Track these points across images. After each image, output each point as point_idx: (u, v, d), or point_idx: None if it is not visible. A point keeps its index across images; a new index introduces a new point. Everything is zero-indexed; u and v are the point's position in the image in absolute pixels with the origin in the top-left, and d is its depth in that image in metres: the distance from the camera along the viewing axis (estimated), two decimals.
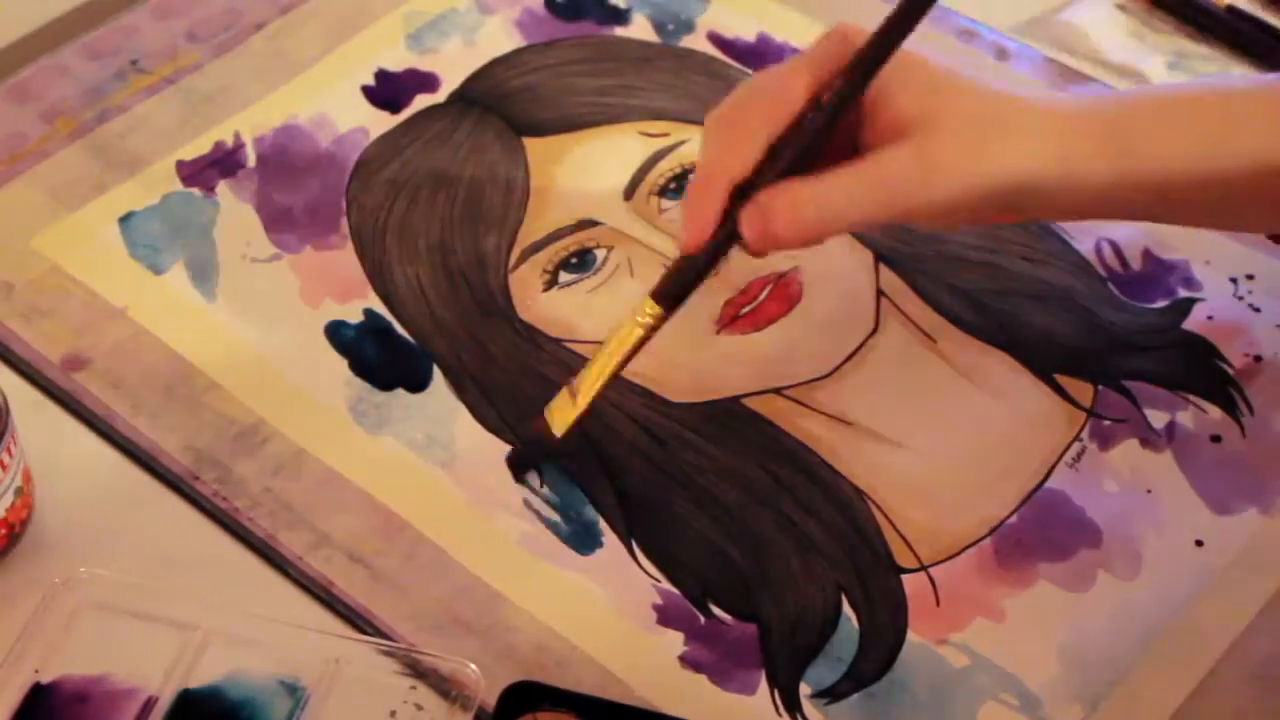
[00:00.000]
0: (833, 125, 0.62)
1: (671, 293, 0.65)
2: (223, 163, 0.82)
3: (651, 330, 0.65)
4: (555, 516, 0.68)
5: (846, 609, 0.66)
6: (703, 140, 0.64)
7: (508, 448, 0.71)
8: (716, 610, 0.66)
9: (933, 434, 0.71)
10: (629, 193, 0.80)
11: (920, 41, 0.88)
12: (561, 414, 0.67)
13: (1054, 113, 0.64)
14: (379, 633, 0.65)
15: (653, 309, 0.65)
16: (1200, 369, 0.74)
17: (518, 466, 0.70)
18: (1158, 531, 0.69)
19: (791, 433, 0.71)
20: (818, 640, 0.65)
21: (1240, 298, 0.77)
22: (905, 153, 0.62)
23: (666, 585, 0.67)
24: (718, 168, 0.62)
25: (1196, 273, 0.77)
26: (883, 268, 0.77)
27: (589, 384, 0.66)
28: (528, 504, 0.69)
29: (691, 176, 0.64)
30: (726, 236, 0.63)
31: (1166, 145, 0.63)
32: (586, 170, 0.81)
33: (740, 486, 0.69)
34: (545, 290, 0.76)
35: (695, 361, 0.73)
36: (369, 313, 0.76)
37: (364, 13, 0.89)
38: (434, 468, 0.70)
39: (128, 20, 0.88)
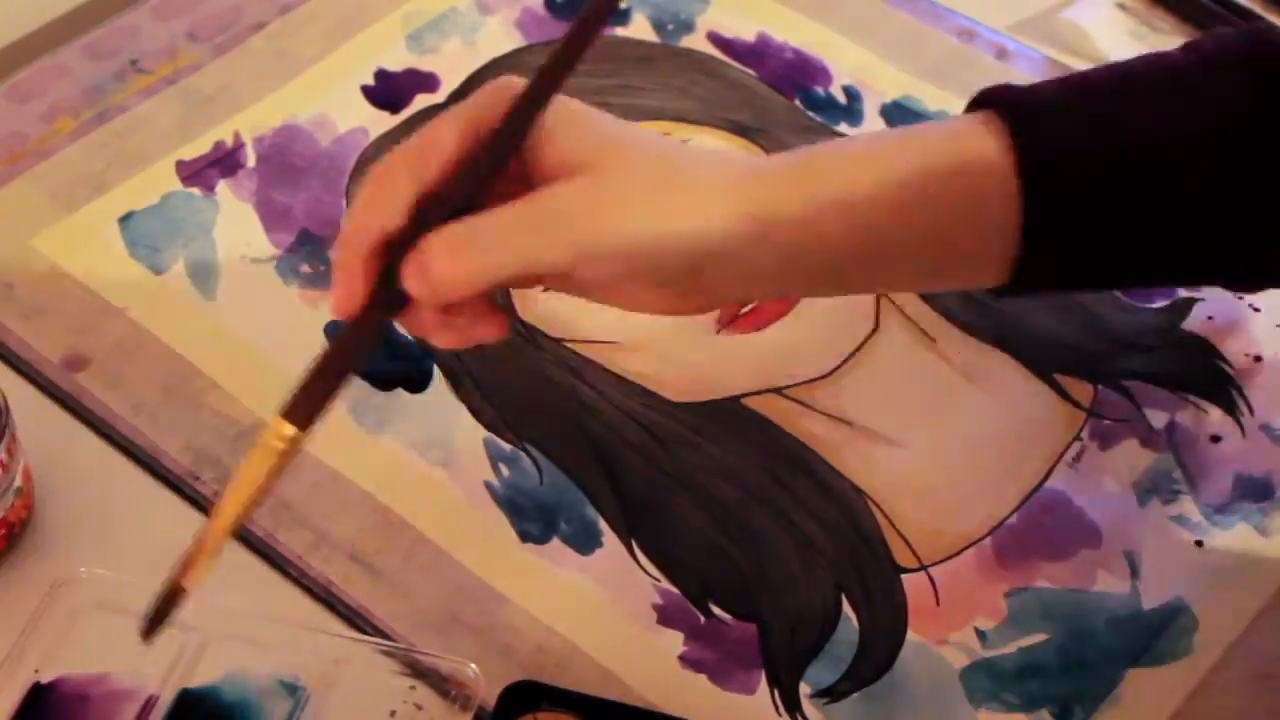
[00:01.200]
0: (493, 168, 0.56)
1: (307, 404, 0.55)
2: (223, 163, 0.82)
3: (289, 455, 0.55)
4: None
5: (846, 609, 0.66)
6: (347, 205, 0.59)
7: (508, 447, 0.71)
8: (716, 610, 0.66)
9: (933, 434, 0.71)
10: None
11: (920, 42, 0.88)
12: (195, 566, 0.56)
13: (733, 164, 0.59)
14: (379, 633, 0.65)
15: (285, 431, 0.55)
16: (1200, 369, 0.74)
17: (150, 624, 0.57)
18: (1157, 531, 0.69)
19: (791, 433, 0.71)
20: (818, 640, 0.65)
21: (1240, 297, 0.77)
22: (574, 185, 0.56)
23: (666, 585, 0.67)
24: (362, 223, 0.56)
25: None
26: None
27: (216, 534, 0.56)
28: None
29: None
30: (386, 300, 0.56)
31: (848, 168, 0.59)
32: None
33: (740, 486, 0.69)
34: (545, 290, 0.76)
35: (695, 361, 0.73)
36: None
37: (364, 13, 0.89)
38: (434, 468, 0.70)
39: (128, 20, 0.88)
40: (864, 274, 0.60)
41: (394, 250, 0.56)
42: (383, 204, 0.56)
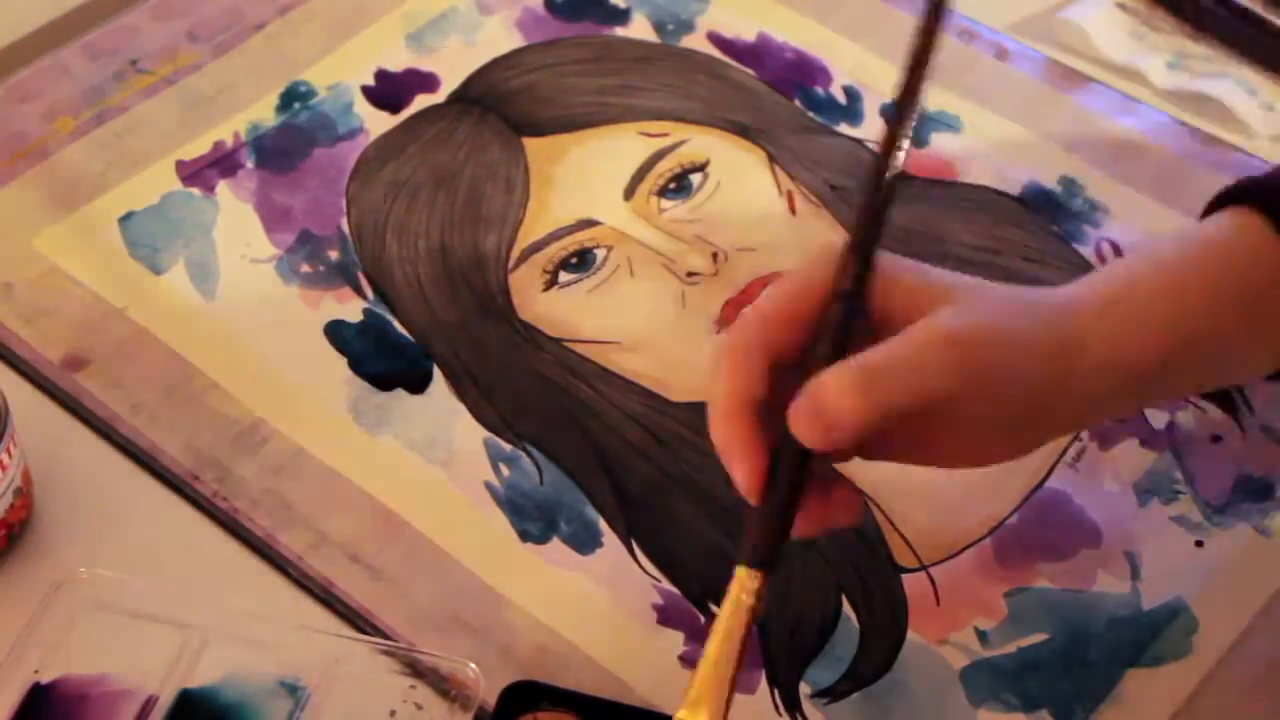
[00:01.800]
0: (856, 303, 0.57)
1: (763, 551, 0.56)
2: (222, 163, 0.82)
3: (761, 602, 0.55)
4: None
5: (846, 609, 0.66)
6: (706, 377, 0.58)
7: (508, 447, 0.71)
8: (716, 610, 0.66)
9: None
10: (629, 192, 0.80)
11: None
12: None
13: (1058, 292, 0.61)
14: (379, 632, 0.65)
15: (752, 579, 0.55)
16: None
17: None
18: (1158, 531, 0.69)
19: None
20: (818, 640, 0.65)
21: None
22: (949, 312, 0.57)
23: (666, 585, 0.67)
24: (731, 398, 0.57)
25: None
26: None
27: (713, 688, 0.55)
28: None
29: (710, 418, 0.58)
30: (790, 460, 0.56)
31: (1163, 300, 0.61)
32: (586, 170, 0.81)
33: None
34: (545, 290, 0.76)
35: (695, 361, 0.73)
36: (369, 313, 0.76)
37: (364, 13, 0.89)
38: (434, 468, 0.70)
39: (128, 20, 0.88)
40: (1174, 389, 0.65)
41: (770, 415, 0.56)
42: (745, 374, 0.56)
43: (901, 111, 0.57)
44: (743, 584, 0.55)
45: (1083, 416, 0.62)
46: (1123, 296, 0.60)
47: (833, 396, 0.55)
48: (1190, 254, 0.62)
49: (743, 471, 0.56)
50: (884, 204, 0.57)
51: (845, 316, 0.56)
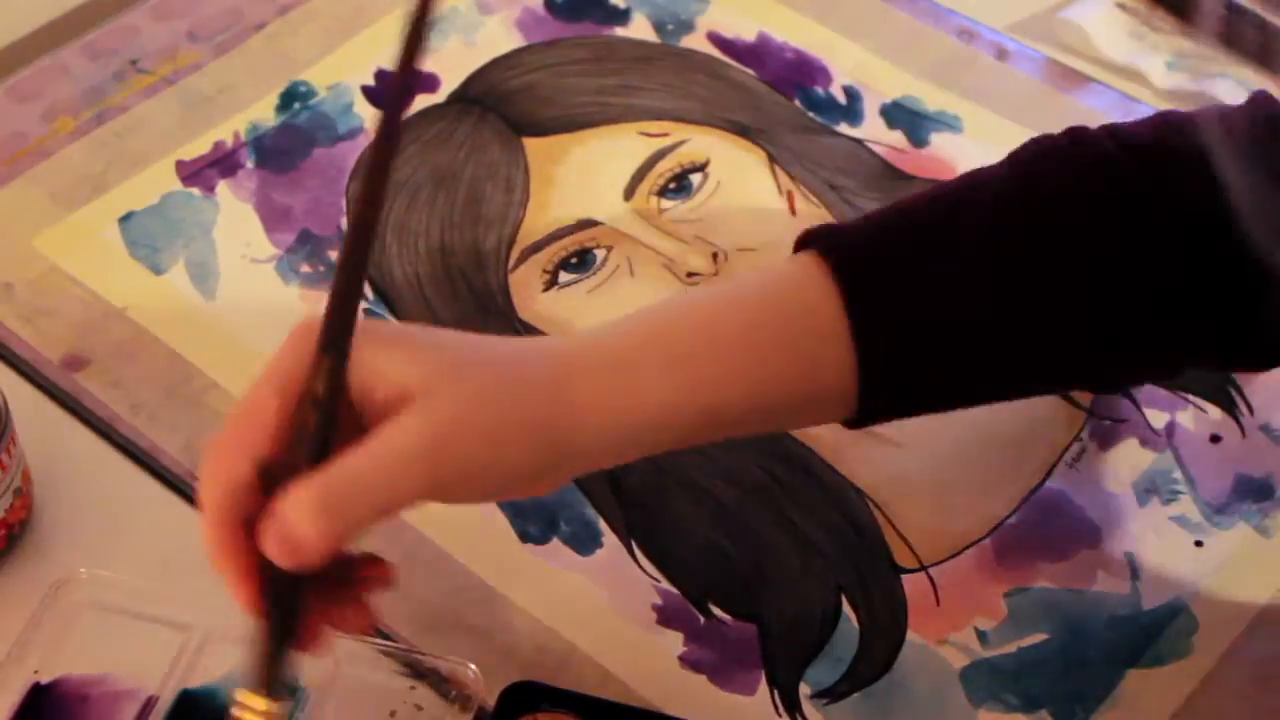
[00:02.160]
0: (331, 409, 0.53)
1: (265, 680, 0.54)
2: (222, 163, 0.82)
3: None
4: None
5: (846, 609, 0.66)
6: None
7: None
8: (716, 610, 0.66)
9: (932, 434, 0.71)
10: (629, 192, 0.80)
11: (920, 42, 0.88)
12: None
13: (563, 362, 0.58)
14: (379, 633, 0.65)
15: (258, 702, 0.54)
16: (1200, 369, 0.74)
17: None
18: (1157, 531, 0.69)
19: (791, 432, 0.71)
20: (817, 640, 0.65)
21: None
22: (414, 419, 0.53)
23: (666, 585, 0.67)
24: (215, 513, 0.53)
25: None
26: None
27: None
28: None
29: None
30: (280, 578, 0.53)
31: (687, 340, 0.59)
32: (586, 170, 0.81)
33: (740, 486, 0.69)
34: (545, 290, 0.76)
35: None
36: (369, 313, 0.76)
37: (364, 13, 0.89)
38: None
39: (128, 20, 0.88)
40: (710, 435, 0.60)
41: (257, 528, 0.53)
42: (227, 481, 0.53)
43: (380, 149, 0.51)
44: (243, 708, 0.54)
45: (588, 467, 0.59)
46: (621, 348, 0.58)
47: (294, 520, 0.52)
48: (731, 296, 0.60)
49: (237, 592, 0.53)
50: (355, 290, 0.53)
51: (320, 425, 0.53)
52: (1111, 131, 0.62)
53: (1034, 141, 0.63)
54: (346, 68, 0.86)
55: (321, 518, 0.52)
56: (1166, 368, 0.65)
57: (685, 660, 0.65)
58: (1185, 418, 0.72)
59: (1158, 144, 0.61)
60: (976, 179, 0.63)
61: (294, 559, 0.52)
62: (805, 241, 0.61)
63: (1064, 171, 0.61)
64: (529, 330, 0.75)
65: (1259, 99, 0.62)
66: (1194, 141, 0.56)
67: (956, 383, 0.61)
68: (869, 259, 0.59)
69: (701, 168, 0.81)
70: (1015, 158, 0.63)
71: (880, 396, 0.59)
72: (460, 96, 0.85)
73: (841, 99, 0.85)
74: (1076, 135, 0.62)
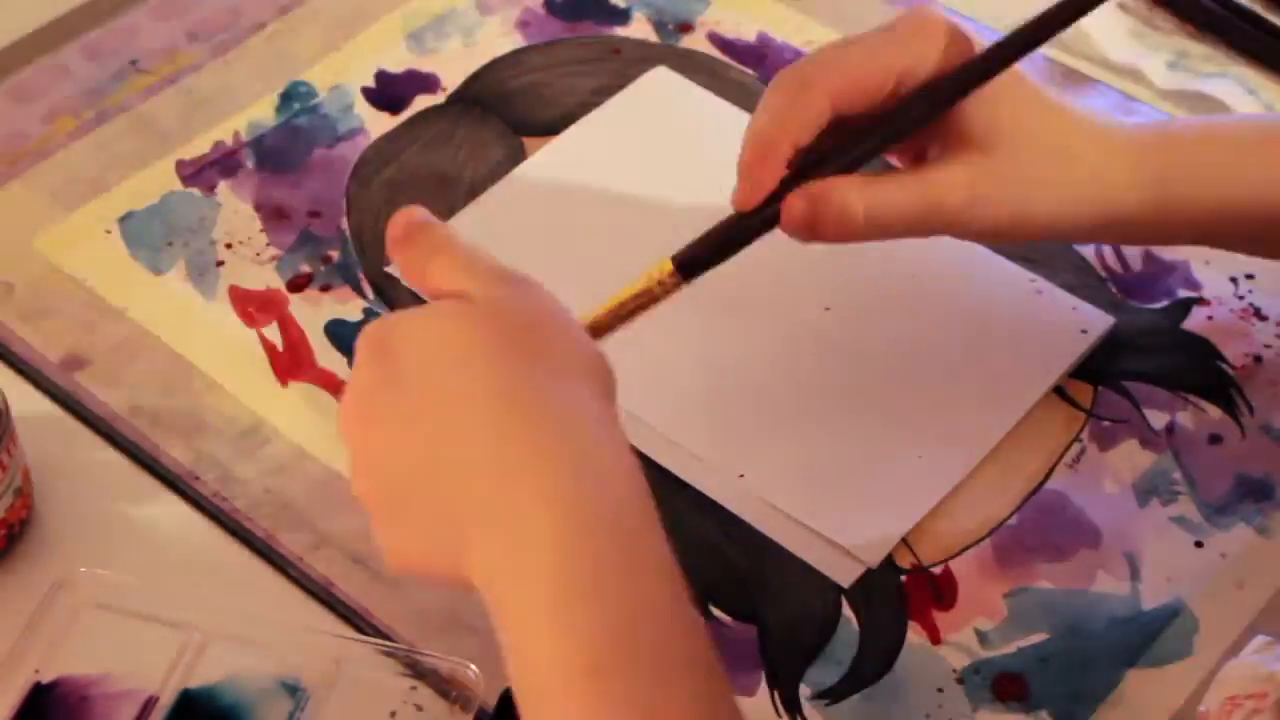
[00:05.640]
0: (924, 121, 0.61)
1: (688, 254, 0.60)
2: (223, 163, 0.82)
3: (657, 292, 0.61)
4: None
5: (846, 609, 0.66)
6: (766, 95, 0.60)
7: None
8: (716, 611, 0.66)
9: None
10: None
11: None
12: None
13: (1108, 143, 0.65)
14: (379, 633, 0.65)
15: (669, 274, 0.60)
16: (1200, 369, 0.74)
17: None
18: (1157, 532, 0.69)
19: None
20: (817, 641, 0.65)
21: (1241, 297, 0.77)
22: (958, 178, 0.61)
23: None
24: (782, 130, 0.59)
25: (1196, 273, 0.77)
26: None
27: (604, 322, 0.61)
28: None
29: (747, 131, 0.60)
30: (773, 213, 0.60)
31: (1200, 175, 0.64)
32: None
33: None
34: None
35: None
36: (369, 313, 0.76)
37: (364, 13, 0.89)
38: None
39: (128, 20, 0.88)
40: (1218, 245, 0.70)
41: (801, 166, 0.59)
42: (799, 119, 0.58)
43: None
44: (661, 269, 0.60)
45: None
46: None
47: (827, 214, 0.59)
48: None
49: (745, 191, 0.59)
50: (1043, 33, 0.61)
51: (916, 116, 0.60)
52: None
53: None
54: (347, 68, 0.86)
55: (845, 227, 0.59)
56: None
57: None
58: (1185, 418, 0.72)
59: None
60: None
61: (800, 236, 0.59)
62: None
63: None
64: None
65: None
66: None
67: None
68: None
69: None
70: None
71: None
72: (460, 97, 0.85)
73: None
74: None
